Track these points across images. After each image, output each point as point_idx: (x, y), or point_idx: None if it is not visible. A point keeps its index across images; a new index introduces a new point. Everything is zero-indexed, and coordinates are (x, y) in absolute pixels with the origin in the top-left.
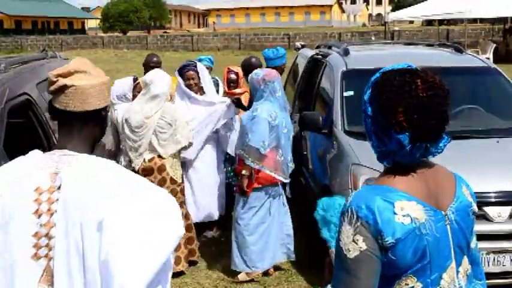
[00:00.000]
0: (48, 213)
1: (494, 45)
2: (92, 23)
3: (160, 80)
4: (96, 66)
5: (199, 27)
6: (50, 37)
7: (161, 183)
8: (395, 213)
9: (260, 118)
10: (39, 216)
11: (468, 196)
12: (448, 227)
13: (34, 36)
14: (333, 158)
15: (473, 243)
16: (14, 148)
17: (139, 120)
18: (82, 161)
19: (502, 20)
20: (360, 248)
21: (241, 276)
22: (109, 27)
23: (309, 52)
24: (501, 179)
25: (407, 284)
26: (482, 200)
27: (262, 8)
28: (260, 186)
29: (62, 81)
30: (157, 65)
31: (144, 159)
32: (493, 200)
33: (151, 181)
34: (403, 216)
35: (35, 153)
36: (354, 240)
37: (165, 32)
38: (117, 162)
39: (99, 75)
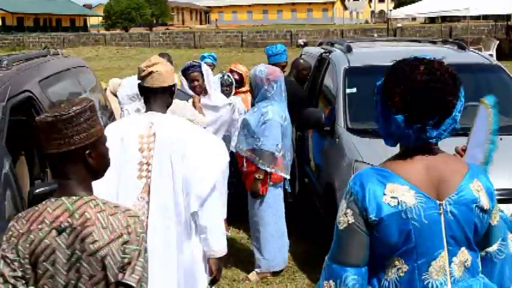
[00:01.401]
0: (147, 149)
1: (497, 42)
2: (94, 20)
3: None
4: (97, 63)
5: (201, 24)
6: (52, 34)
7: None
8: (384, 194)
9: (274, 121)
10: (142, 151)
11: (478, 191)
12: (442, 216)
13: (36, 34)
14: (335, 156)
15: (493, 248)
16: (16, 145)
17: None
18: (165, 117)
19: (505, 17)
20: (348, 221)
21: (253, 277)
22: (111, 24)
23: (314, 50)
24: (504, 176)
25: (395, 266)
26: None
27: (265, 5)
28: (275, 184)
29: (149, 69)
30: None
31: None
32: (496, 197)
33: None
34: (391, 198)
35: (135, 114)
36: (345, 214)
37: (167, 29)
38: None
39: (168, 64)
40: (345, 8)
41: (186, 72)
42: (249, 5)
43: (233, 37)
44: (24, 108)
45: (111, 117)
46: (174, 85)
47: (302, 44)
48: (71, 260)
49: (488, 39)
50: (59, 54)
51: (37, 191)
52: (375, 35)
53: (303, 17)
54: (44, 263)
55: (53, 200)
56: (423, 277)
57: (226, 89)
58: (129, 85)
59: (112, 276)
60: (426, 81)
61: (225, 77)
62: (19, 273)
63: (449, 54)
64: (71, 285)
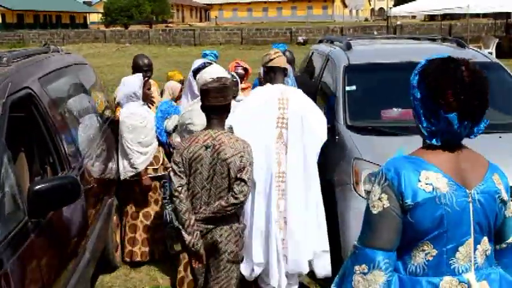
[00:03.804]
0: (282, 108)
1: (497, 40)
2: (93, 17)
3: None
4: (97, 60)
5: (201, 21)
6: (52, 31)
7: None
8: (419, 180)
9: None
10: (279, 109)
11: (498, 184)
12: (470, 204)
13: (36, 30)
14: (335, 153)
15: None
16: (16, 142)
17: (204, 123)
18: (291, 87)
19: (505, 15)
20: (384, 205)
21: None
22: (111, 21)
23: (323, 48)
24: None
25: (424, 250)
26: None
27: (265, 2)
28: None
29: (273, 56)
30: (150, 67)
31: None
32: None
33: None
34: (426, 184)
35: (267, 85)
36: (379, 198)
37: (167, 27)
38: (117, 164)
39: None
40: (345, 5)
41: (198, 71)
42: (249, 3)
43: (233, 34)
44: (24, 105)
45: (109, 120)
46: (286, 68)
47: (302, 41)
48: (211, 163)
49: (488, 37)
50: (59, 51)
51: (37, 187)
52: (375, 32)
53: (303, 15)
54: (197, 164)
55: (203, 131)
56: (450, 262)
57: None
58: (126, 84)
59: (233, 174)
60: (473, 81)
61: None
62: (182, 169)
63: (449, 52)
64: (210, 177)
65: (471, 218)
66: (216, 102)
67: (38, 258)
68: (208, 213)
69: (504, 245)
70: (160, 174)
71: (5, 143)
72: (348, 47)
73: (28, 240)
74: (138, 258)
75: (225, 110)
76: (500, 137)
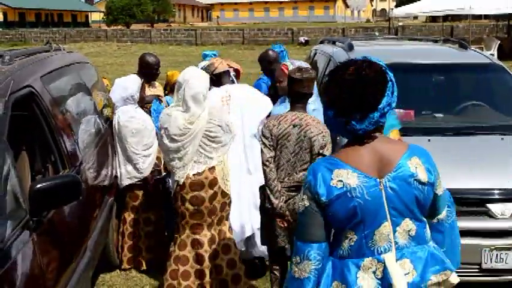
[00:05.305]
0: (227, 104)
1: (499, 41)
2: (95, 16)
3: (196, 78)
4: (98, 59)
5: (202, 21)
6: (54, 30)
7: (212, 198)
8: (331, 179)
9: (320, 111)
10: (223, 106)
11: (416, 167)
12: (383, 192)
13: (37, 29)
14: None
15: (443, 214)
16: (18, 140)
17: (182, 127)
18: (235, 85)
19: (507, 17)
20: (305, 205)
21: None
22: (112, 20)
23: (327, 48)
24: (505, 176)
25: (348, 237)
26: (486, 197)
27: (266, 2)
28: None
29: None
30: (159, 66)
31: (197, 172)
32: (496, 197)
33: (202, 197)
34: (338, 181)
35: (215, 89)
36: (302, 199)
37: (169, 26)
38: (115, 173)
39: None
40: (347, 6)
41: None
42: (251, 3)
43: (234, 34)
44: (26, 104)
45: (110, 120)
46: (229, 70)
47: (303, 41)
48: (297, 139)
49: (490, 39)
50: (60, 50)
51: (38, 186)
52: (376, 33)
53: (304, 15)
54: (284, 140)
55: (290, 111)
56: (369, 244)
57: None
58: (122, 86)
59: (316, 150)
60: (351, 81)
61: None
62: (271, 143)
63: (451, 54)
64: (295, 152)
65: (385, 204)
66: (307, 91)
67: (39, 256)
68: (292, 183)
69: (435, 220)
70: (163, 175)
71: (6, 142)
72: (350, 47)
73: (29, 239)
74: (144, 267)
75: (310, 96)
76: (502, 139)
